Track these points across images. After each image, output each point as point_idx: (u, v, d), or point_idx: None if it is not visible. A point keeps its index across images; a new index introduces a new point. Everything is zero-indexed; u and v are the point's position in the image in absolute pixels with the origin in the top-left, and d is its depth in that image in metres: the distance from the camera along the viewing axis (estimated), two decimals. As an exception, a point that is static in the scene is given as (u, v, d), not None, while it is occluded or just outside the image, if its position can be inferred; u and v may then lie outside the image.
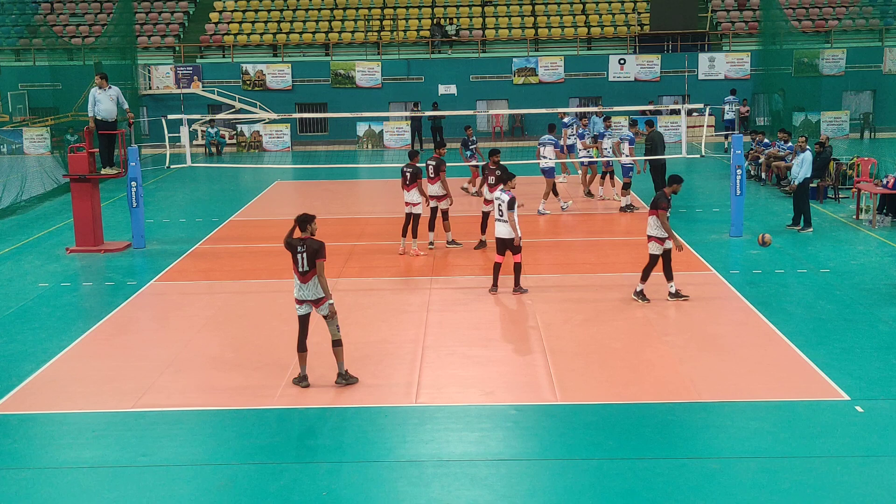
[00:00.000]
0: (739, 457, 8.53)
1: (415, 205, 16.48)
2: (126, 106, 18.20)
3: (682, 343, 11.69)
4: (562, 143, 23.85)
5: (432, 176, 16.77)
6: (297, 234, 10.32)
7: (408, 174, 16.46)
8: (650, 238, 13.41)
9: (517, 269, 14.01)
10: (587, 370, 10.81)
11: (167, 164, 20.69)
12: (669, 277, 13.53)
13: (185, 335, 12.45)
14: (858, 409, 9.53)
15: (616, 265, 15.83)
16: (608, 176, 22.52)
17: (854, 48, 36.70)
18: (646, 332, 12.15)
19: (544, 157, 20.54)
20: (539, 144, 21.02)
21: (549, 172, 20.46)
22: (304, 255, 10.08)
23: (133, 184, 17.76)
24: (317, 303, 10.29)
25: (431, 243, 17.11)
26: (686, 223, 19.29)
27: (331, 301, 10.21)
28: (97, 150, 17.82)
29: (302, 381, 10.47)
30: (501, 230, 13.84)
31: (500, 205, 13.79)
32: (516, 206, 13.75)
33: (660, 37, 37.24)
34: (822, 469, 8.28)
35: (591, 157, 22.52)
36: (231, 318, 13.27)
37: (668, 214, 13.32)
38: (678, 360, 11.09)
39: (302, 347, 10.49)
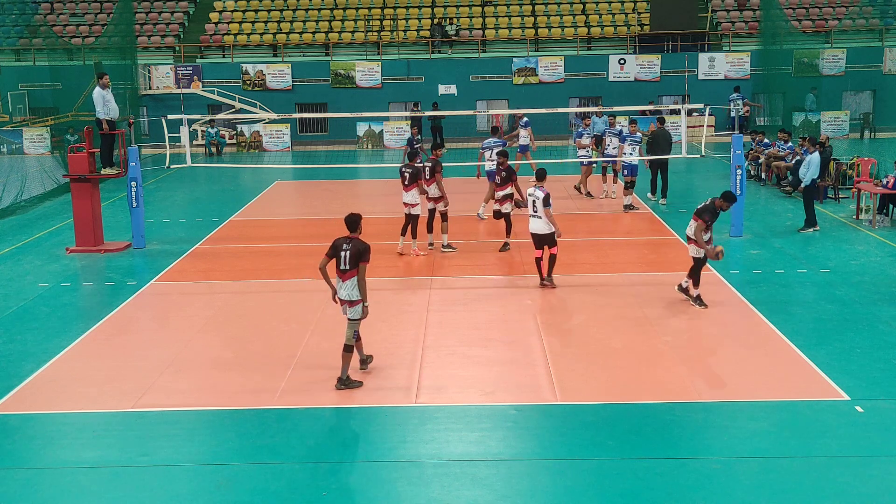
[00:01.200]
0: (739, 457, 8.53)
1: (413, 205, 16.51)
2: None
3: (682, 343, 11.69)
4: (516, 143, 23.99)
5: (428, 178, 16.76)
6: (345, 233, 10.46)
7: (407, 174, 16.48)
8: (690, 240, 13.41)
9: (553, 260, 14.36)
10: (587, 370, 10.81)
11: (167, 164, 20.70)
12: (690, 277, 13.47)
13: (185, 335, 12.45)
14: (858, 409, 9.53)
15: (616, 265, 15.83)
16: (612, 173, 22.54)
17: (854, 48, 36.68)
18: (646, 332, 12.15)
19: (490, 161, 19.83)
20: (483, 148, 20.45)
21: (493, 176, 19.47)
22: (348, 253, 10.19)
23: (133, 184, 17.77)
24: (351, 304, 10.31)
25: (431, 244, 17.12)
26: (686, 223, 19.24)
27: (366, 304, 10.30)
28: (98, 150, 17.84)
29: (364, 364, 10.78)
30: (537, 225, 14.19)
31: (534, 201, 14.12)
32: (551, 201, 14.12)
33: (660, 37, 37.22)
34: (822, 469, 8.28)
35: (591, 157, 22.56)
36: (231, 318, 13.27)
37: (709, 227, 13.24)
38: (678, 360, 11.09)
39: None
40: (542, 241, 14.29)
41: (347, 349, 10.36)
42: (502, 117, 36.92)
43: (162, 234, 19.27)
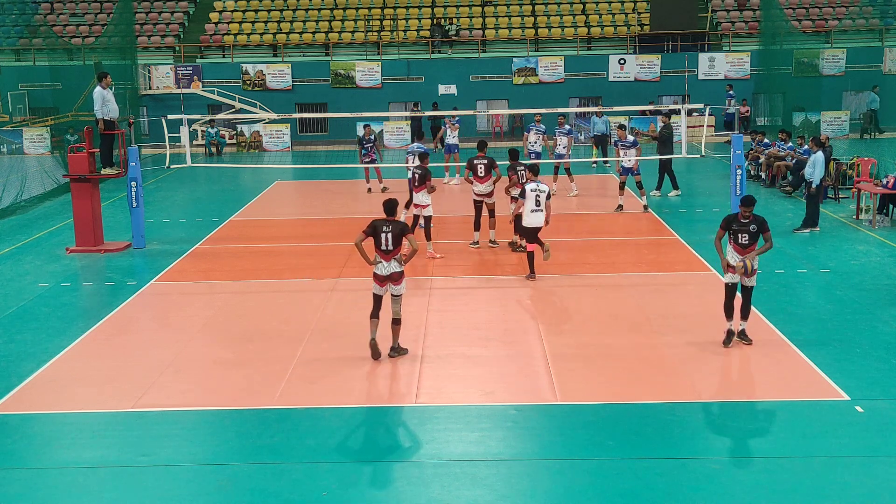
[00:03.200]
0: (739, 457, 8.53)
1: (424, 206, 16.41)
2: None
3: (682, 343, 11.68)
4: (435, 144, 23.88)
5: (482, 175, 16.69)
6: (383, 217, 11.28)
7: (417, 175, 16.40)
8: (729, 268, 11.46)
9: (532, 256, 14.78)
10: (587, 370, 10.81)
11: (167, 164, 20.69)
12: (741, 315, 11.51)
13: (185, 335, 12.45)
14: (858, 409, 9.53)
15: (616, 265, 15.83)
16: (564, 173, 23.18)
17: (854, 48, 36.69)
18: (646, 332, 12.14)
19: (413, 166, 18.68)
20: (408, 153, 19.59)
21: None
22: (390, 234, 11.01)
23: (133, 184, 17.77)
24: (395, 281, 11.06)
25: (476, 242, 17.04)
26: (686, 223, 19.31)
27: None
28: (98, 149, 17.84)
29: (372, 340, 11.14)
30: (538, 219, 14.54)
31: (537, 195, 14.42)
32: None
33: (660, 37, 37.22)
34: (822, 469, 8.28)
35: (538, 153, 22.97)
36: (231, 318, 13.26)
37: (731, 235, 11.37)
38: (678, 360, 11.08)
39: (374, 315, 11.19)
40: (536, 234, 14.58)
41: (396, 322, 11.17)
42: (502, 118, 36.96)
43: (162, 234, 19.27)
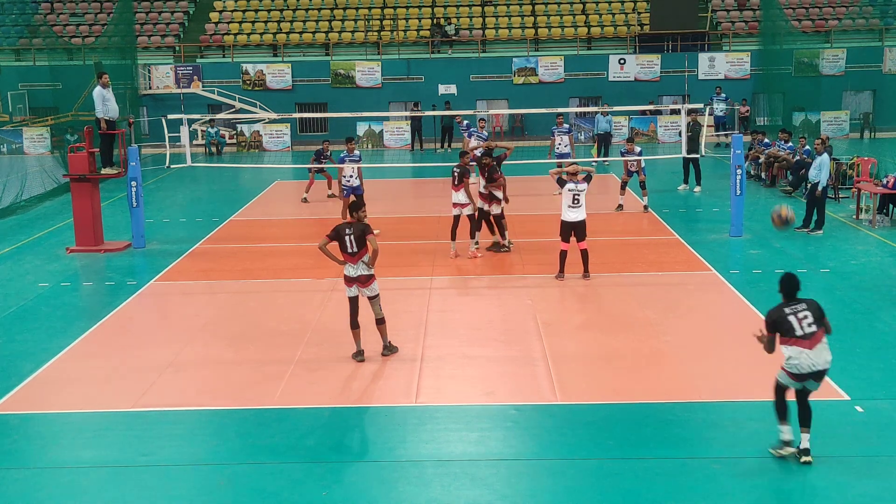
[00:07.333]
0: (739, 457, 8.52)
1: (463, 205, 16.36)
2: None
3: (682, 343, 11.69)
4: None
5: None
6: (346, 219, 11.29)
7: (456, 174, 16.38)
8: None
9: (587, 255, 14.79)
10: (587, 370, 10.81)
11: (167, 164, 20.65)
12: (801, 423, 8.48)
13: (185, 335, 12.45)
14: (858, 409, 9.53)
15: (615, 265, 15.82)
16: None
17: (854, 48, 36.69)
18: (646, 332, 12.14)
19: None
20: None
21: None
22: (352, 236, 10.94)
23: (133, 184, 17.77)
24: (363, 283, 11.06)
25: (476, 243, 17.03)
26: (686, 223, 19.30)
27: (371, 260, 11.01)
28: (98, 149, 17.84)
29: (359, 355, 11.19)
30: (575, 216, 14.57)
31: (576, 195, 14.50)
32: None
33: (660, 37, 37.22)
34: (822, 469, 8.27)
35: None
36: (231, 318, 13.26)
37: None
38: (678, 360, 11.09)
39: (354, 325, 11.21)
40: (580, 232, 14.58)
41: (379, 322, 11.23)
42: (502, 118, 36.95)
43: (162, 234, 19.27)
